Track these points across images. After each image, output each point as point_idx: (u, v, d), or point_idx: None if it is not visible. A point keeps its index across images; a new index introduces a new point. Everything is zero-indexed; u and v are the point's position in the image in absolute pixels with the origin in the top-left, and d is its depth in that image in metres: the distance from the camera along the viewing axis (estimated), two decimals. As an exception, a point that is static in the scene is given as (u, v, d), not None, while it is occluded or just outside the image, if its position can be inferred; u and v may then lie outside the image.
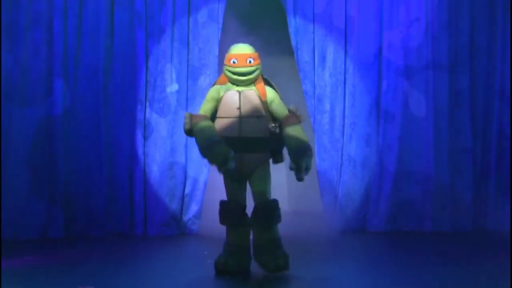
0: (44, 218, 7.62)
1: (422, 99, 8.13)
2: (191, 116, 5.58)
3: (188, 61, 7.94)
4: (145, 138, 7.87)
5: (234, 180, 5.61)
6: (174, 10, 7.90)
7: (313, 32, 8.11)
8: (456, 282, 5.61)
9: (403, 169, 8.10)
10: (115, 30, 7.81)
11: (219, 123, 5.54)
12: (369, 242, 7.59)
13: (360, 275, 5.93)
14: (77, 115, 7.74)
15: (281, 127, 5.55)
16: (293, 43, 8.09)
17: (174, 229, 7.87)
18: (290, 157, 5.48)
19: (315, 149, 8.12)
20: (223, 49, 8.02)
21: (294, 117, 5.57)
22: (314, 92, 8.12)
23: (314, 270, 6.04)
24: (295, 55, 8.10)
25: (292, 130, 5.50)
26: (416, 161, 8.13)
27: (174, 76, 7.90)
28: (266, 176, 5.58)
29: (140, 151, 7.85)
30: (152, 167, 7.86)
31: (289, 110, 5.62)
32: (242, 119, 5.50)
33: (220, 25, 7.96)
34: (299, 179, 5.49)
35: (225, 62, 5.67)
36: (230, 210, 5.64)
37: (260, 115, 5.54)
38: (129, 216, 7.84)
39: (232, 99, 5.56)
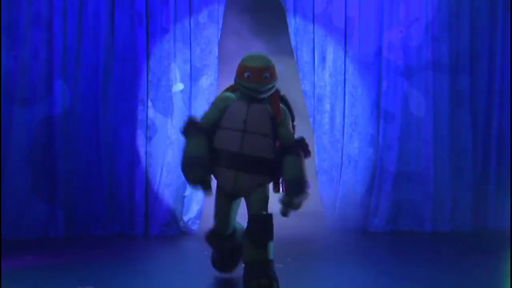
0: (44, 218, 7.62)
1: (422, 99, 8.13)
2: (190, 123, 5.09)
3: (190, 61, 7.95)
4: (148, 138, 7.86)
5: (226, 198, 5.11)
6: (175, 10, 7.89)
7: (313, 32, 8.12)
8: (456, 282, 5.61)
9: (403, 169, 8.10)
10: (115, 30, 7.81)
11: (221, 134, 4.99)
12: (369, 242, 7.59)
13: (360, 275, 5.93)
14: (77, 115, 7.74)
15: (283, 152, 5.01)
16: (293, 43, 8.10)
17: (174, 229, 7.87)
18: (284, 189, 4.98)
19: (315, 149, 8.13)
20: (223, 49, 8.05)
21: (299, 149, 5.01)
22: (313, 92, 8.12)
23: (314, 270, 6.04)
24: (294, 55, 8.10)
25: (293, 161, 4.95)
26: (416, 161, 8.13)
27: (178, 76, 7.90)
28: (264, 199, 5.03)
29: (142, 151, 7.84)
30: (155, 167, 7.85)
31: (297, 141, 5.04)
32: (246, 134, 4.91)
33: (220, 26, 7.96)
34: (284, 214, 5.00)
35: (237, 73, 5.00)
36: (217, 245, 5.27)
37: (267, 133, 4.94)
38: (129, 216, 7.84)
39: (239, 111, 4.96)
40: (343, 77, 8.15)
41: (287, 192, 4.92)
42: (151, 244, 7.44)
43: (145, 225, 7.83)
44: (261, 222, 4.98)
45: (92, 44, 7.77)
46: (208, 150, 4.96)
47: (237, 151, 4.90)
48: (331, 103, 8.15)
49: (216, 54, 7.94)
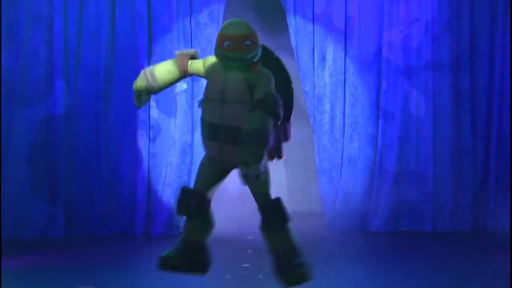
0: (44, 218, 7.63)
1: (422, 99, 8.13)
2: (186, 53, 4.84)
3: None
4: (151, 138, 7.87)
5: (212, 169, 4.85)
6: (176, 10, 7.90)
7: (313, 32, 8.12)
8: (456, 282, 5.62)
9: (403, 169, 8.10)
10: (116, 30, 7.82)
11: (204, 105, 4.75)
12: (369, 242, 7.59)
13: (360, 275, 5.93)
14: (77, 115, 7.76)
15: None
16: (292, 43, 8.10)
17: (175, 229, 7.87)
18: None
19: (315, 149, 8.14)
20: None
21: (265, 105, 4.56)
22: (314, 92, 8.12)
23: (314, 270, 6.03)
24: (295, 55, 8.10)
25: (252, 115, 4.54)
26: (416, 161, 8.13)
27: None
28: (265, 186, 4.77)
29: (144, 151, 7.85)
30: (159, 168, 7.85)
31: (263, 99, 4.59)
32: (224, 104, 4.63)
33: (220, 26, 7.96)
34: (242, 173, 4.60)
35: (217, 42, 4.67)
36: (189, 197, 4.88)
37: (244, 101, 4.61)
38: (130, 216, 7.85)
39: (216, 80, 4.68)
40: (343, 77, 8.15)
41: (239, 145, 4.53)
42: (152, 244, 7.45)
43: (146, 225, 7.84)
44: (272, 211, 4.77)
45: (93, 44, 7.78)
46: (166, 80, 4.84)
47: (218, 123, 4.66)
48: (331, 103, 8.15)
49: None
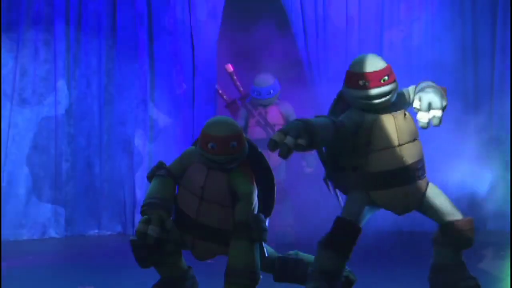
0: (44, 218, 7.64)
1: (422, 99, 8.13)
2: (158, 166, 4.51)
3: (191, 60, 7.97)
4: (150, 138, 7.88)
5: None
6: (175, 10, 7.91)
7: (314, 32, 8.12)
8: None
9: (403, 169, 8.09)
10: (117, 30, 7.83)
11: (182, 194, 4.45)
12: (369, 242, 7.58)
13: (359, 275, 5.93)
14: (77, 115, 7.77)
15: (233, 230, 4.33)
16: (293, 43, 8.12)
17: (174, 229, 7.88)
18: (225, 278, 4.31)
19: (315, 149, 8.14)
20: (222, 49, 8.07)
21: (250, 231, 4.25)
22: (314, 92, 8.13)
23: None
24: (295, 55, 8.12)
25: (238, 246, 4.25)
26: (416, 161, 8.12)
27: (180, 75, 7.92)
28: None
29: (144, 151, 7.86)
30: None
31: (249, 222, 4.27)
32: (203, 201, 4.33)
33: (219, 24, 7.97)
34: None
35: (200, 142, 4.32)
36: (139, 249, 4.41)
37: (224, 203, 4.33)
38: (131, 216, 7.86)
39: (198, 174, 4.37)
40: (343, 77, 8.14)
41: (225, 283, 4.30)
42: (151, 244, 7.44)
43: (146, 225, 7.85)
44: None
45: (93, 44, 7.79)
46: (172, 196, 4.43)
47: (194, 217, 4.36)
48: (331, 103, 8.15)
49: (215, 53, 7.96)
